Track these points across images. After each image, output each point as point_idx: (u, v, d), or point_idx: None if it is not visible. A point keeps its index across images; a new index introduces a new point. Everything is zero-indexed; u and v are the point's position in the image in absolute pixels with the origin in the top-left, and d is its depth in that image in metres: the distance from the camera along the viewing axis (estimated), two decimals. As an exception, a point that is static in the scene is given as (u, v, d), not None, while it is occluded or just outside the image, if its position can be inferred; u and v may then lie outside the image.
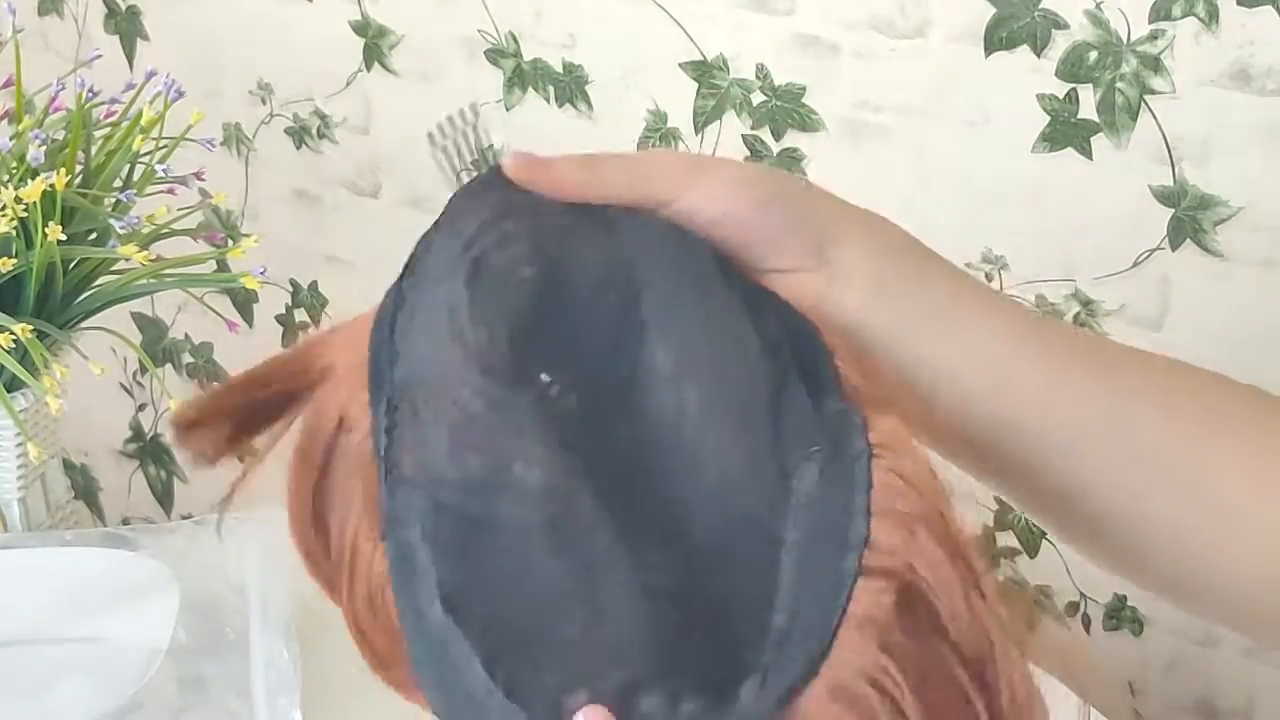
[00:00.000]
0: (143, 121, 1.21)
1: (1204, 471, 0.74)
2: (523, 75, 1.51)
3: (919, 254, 0.75)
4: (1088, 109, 1.24)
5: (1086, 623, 1.38)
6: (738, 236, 0.71)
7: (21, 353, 1.12)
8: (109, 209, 1.20)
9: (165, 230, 1.23)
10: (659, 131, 1.45)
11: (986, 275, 1.32)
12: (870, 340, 0.72)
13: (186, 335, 1.91)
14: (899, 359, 0.72)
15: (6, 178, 1.15)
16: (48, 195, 1.12)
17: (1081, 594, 1.38)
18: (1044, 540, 1.38)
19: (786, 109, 1.37)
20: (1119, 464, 0.74)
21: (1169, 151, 1.21)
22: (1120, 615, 1.35)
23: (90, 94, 1.22)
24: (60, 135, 1.22)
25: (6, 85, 1.24)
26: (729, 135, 1.41)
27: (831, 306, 0.71)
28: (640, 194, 0.71)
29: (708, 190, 0.71)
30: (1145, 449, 0.74)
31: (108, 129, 1.24)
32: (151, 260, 1.18)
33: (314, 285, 1.77)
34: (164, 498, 2.04)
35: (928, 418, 0.73)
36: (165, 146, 1.24)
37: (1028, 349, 0.74)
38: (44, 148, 1.16)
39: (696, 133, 1.43)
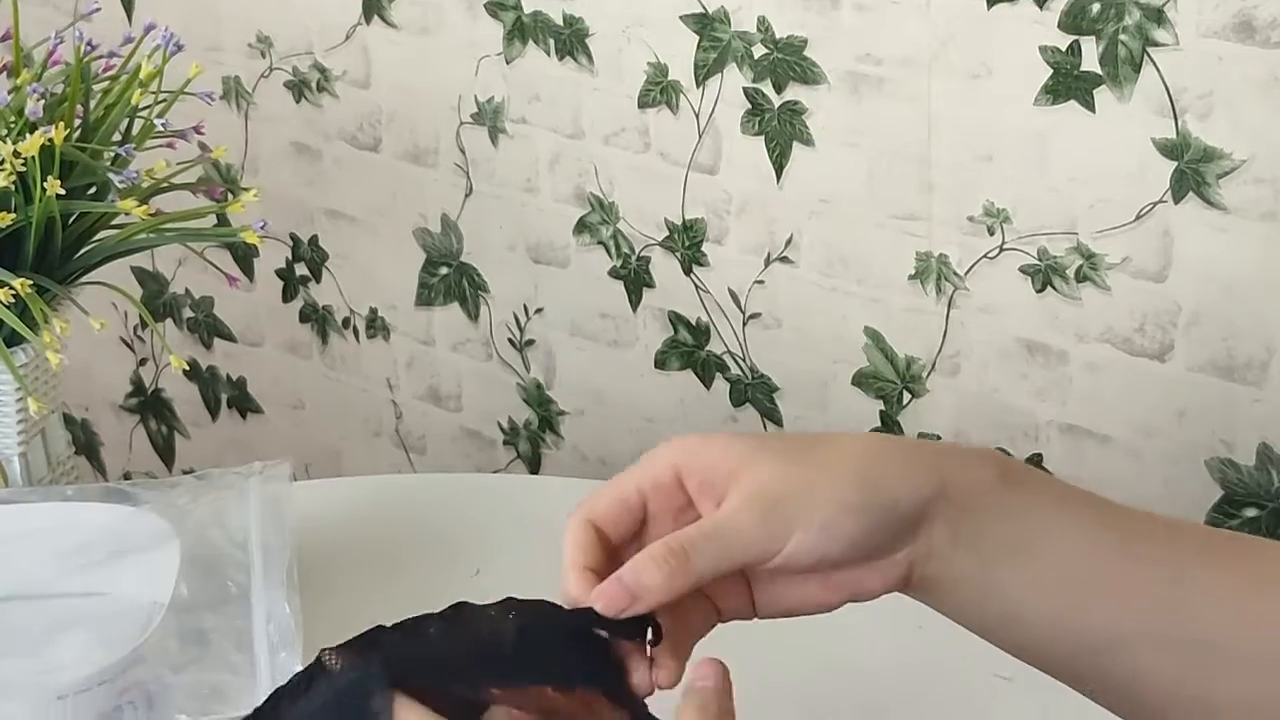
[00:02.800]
0: (141, 75, 1.20)
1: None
2: (523, 28, 1.51)
3: (997, 489, 0.75)
4: (1090, 61, 1.23)
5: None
6: (835, 565, 0.73)
7: (21, 308, 1.12)
8: (108, 163, 1.20)
9: (165, 184, 1.23)
10: (660, 85, 1.44)
11: (989, 229, 1.31)
12: (949, 587, 0.76)
13: (187, 290, 1.91)
14: (973, 597, 0.76)
15: (5, 132, 1.15)
16: (46, 149, 1.12)
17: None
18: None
19: (788, 62, 1.37)
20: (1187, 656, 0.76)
21: (1172, 104, 1.21)
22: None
23: (89, 47, 1.21)
24: (59, 89, 1.21)
25: (4, 39, 1.24)
26: (730, 88, 1.41)
27: (921, 562, 0.75)
28: (735, 568, 0.73)
29: (796, 547, 0.72)
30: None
31: (106, 82, 1.24)
32: (151, 215, 1.18)
33: (314, 239, 1.77)
34: (165, 452, 2.04)
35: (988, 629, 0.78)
36: (164, 100, 1.24)
37: (1102, 568, 0.76)
38: (42, 102, 1.15)
39: (698, 85, 1.42)
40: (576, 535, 0.74)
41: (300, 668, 0.97)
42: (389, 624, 0.71)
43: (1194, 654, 0.75)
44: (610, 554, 0.74)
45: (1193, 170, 1.21)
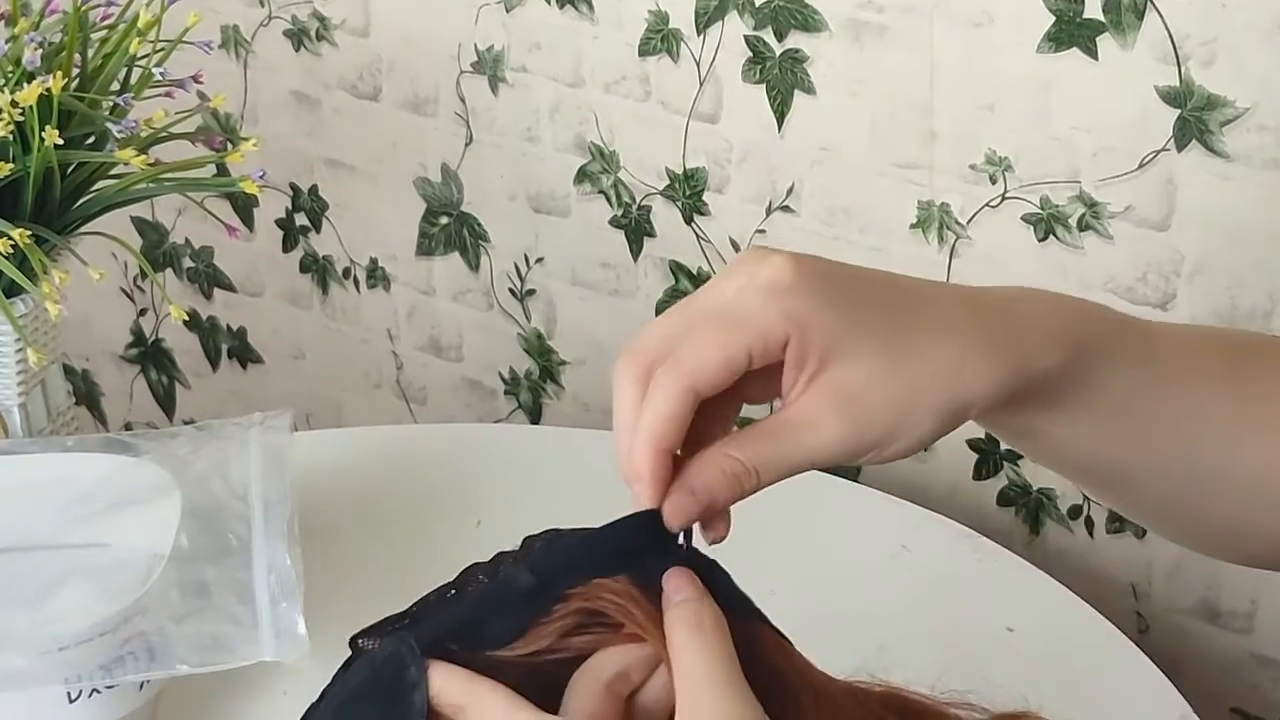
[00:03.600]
0: (140, 24, 1.20)
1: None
2: (523, -24, 1.50)
3: (1063, 371, 0.75)
4: (1093, 8, 1.23)
5: (1090, 526, 1.38)
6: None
7: (20, 258, 1.11)
8: (106, 113, 1.19)
9: (163, 134, 1.23)
10: (660, 33, 1.44)
11: (991, 178, 1.31)
12: (995, 427, 0.79)
13: (187, 240, 1.90)
14: (1018, 437, 0.80)
15: (2, 82, 1.14)
16: (44, 99, 1.11)
17: (1085, 497, 1.38)
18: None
19: (789, 9, 1.36)
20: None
21: (1175, 51, 1.20)
22: (1124, 519, 1.35)
23: (86, -4, 1.21)
24: (56, 38, 1.21)
25: (2, -13, 1.23)
26: (731, 36, 1.40)
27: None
28: (800, 470, 0.70)
29: (875, 457, 0.70)
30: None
31: (104, 31, 1.23)
32: (150, 164, 1.17)
33: (314, 189, 1.76)
34: (166, 403, 2.04)
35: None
36: (162, 49, 1.23)
37: (1136, 415, 0.78)
38: (40, 51, 1.15)
39: (698, 33, 1.42)
40: (675, 409, 0.68)
41: (301, 619, 0.98)
42: (395, 603, 0.71)
43: (1203, 481, 0.79)
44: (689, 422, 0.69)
45: (1196, 118, 1.21)
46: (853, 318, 0.69)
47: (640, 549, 0.68)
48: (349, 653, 0.69)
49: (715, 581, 0.69)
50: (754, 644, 0.68)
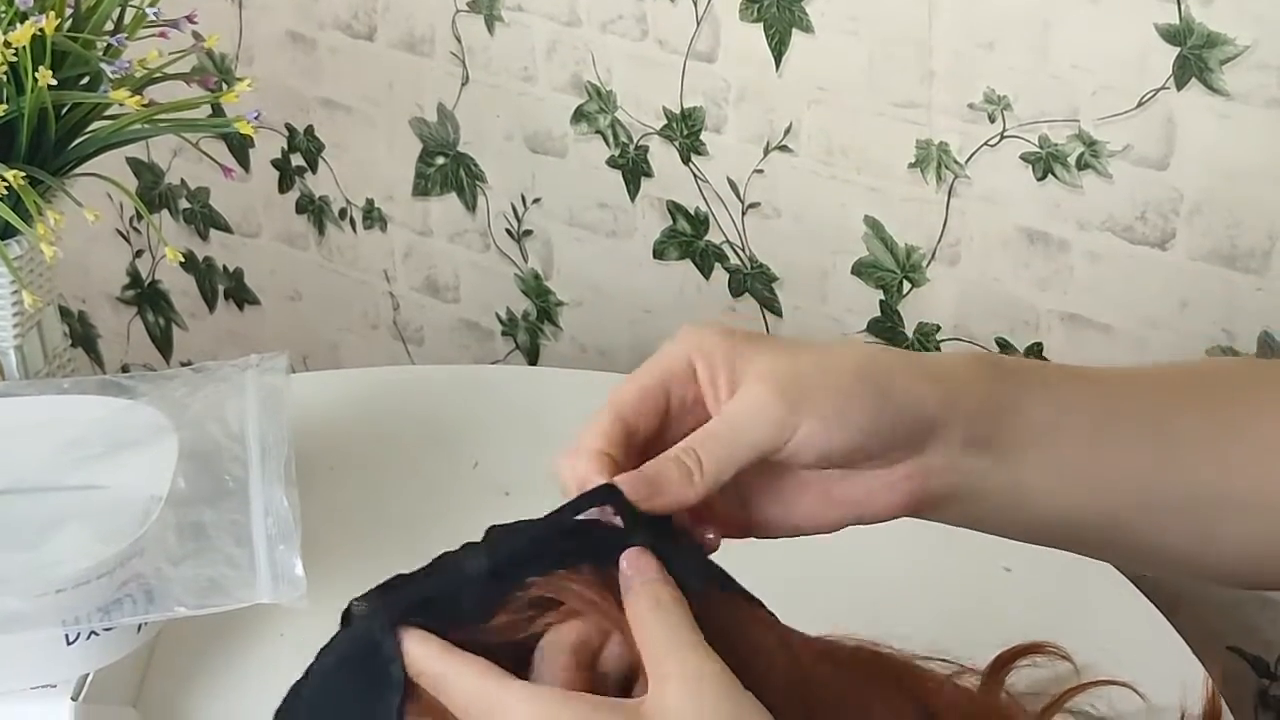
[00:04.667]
0: (132, -37, 1.19)
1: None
2: (519, -86, 1.50)
3: (997, 389, 0.75)
4: (1093, -54, 1.22)
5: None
6: (840, 463, 0.73)
7: (14, 200, 1.11)
8: (100, 53, 1.19)
9: (158, 74, 1.22)
10: (657, -29, 1.43)
11: (990, 117, 1.30)
12: (964, 495, 0.76)
13: (183, 181, 1.90)
14: (988, 500, 0.76)
15: (-5, 22, 1.13)
16: (37, 39, 1.11)
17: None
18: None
19: (787, -53, 1.36)
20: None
21: (1176, -11, 1.20)
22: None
23: (79, -65, 1.20)
24: (49, -22, 1.20)
25: (-7, -73, 1.22)
26: (728, -25, 1.40)
27: (925, 478, 0.74)
28: (745, 462, 0.72)
29: (805, 440, 0.71)
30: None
31: (97, -29, 1.22)
32: (144, 105, 1.17)
33: (310, 129, 1.75)
34: (163, 344, 2.04)
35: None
36: (156, -11, 1.22)
37: (1099, 446, 0.76)
38: (33, -9, 1.14)
39: (695, -28, 1.41)
40: (601, 425, 0.73)
41: (298, 561, 0.98)
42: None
43: (1193, 511, 0.77)
44: (634, 453, 0.73)
45: (1196, 56, 1.20)
46: (750, 340, 0.74)
47: (597, 532, 0.70)
48: (345, 596, 0.69)
49: (681, 555, 0.70)
50: (722, 610, 0.69)
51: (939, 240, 1.39)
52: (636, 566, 0.69)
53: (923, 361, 0.76)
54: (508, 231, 1.66)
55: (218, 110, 1.56)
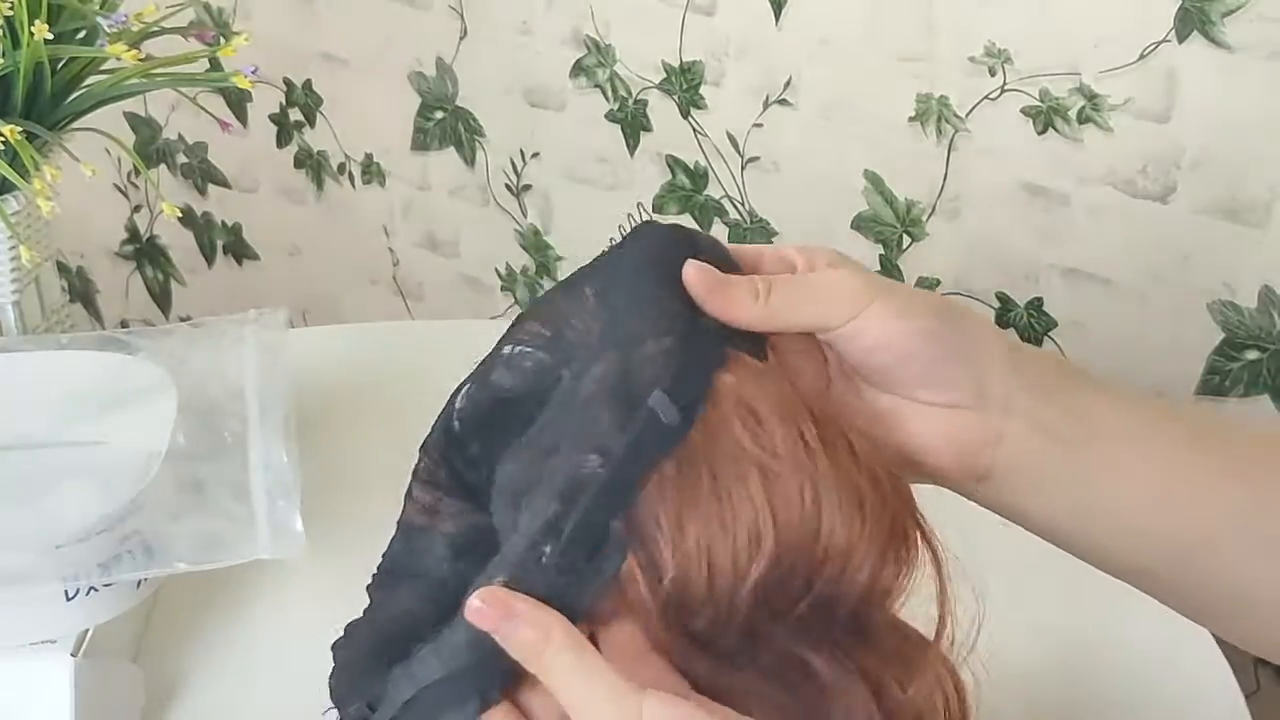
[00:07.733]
0: (129, -84, 1.18)
1: None
2: None
3: (1073, 384, 0.73)
4: (1095, -103, 1.22)
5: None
6: (898, 366, 0.71)
7: (11, 154, 1.11)
8: (96, 7, 1.18)
9: (155, 28, 1.22)
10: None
11: (990, 70, 1.30)
12: (1028, 475, 0.72)
13: (180, 135, 1.89)
14: (1056, 488, 0.72)
15: (-9, -25, 1.13)
16: (33, -7, 1.10)
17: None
18: (1045, 337, 1.38)
19: (787, -100, 1.35)
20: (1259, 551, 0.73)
21: (1177, -59, 1.19)
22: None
23: (74, -112, 1.19)
24: (45, -69, 1.19)
25: (-12, -120, 1.22)
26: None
27: (988, 445, 0.71)
28: (810, 319, 0.70)
29: (873, 316, 0.70)
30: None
31: (93, -76, 1.22)
32: (141, 59, 1.16)
33: (308, 84, 1.75)
34: (162, 299, 2.04)
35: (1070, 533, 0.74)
36: (153, -58, 1.22)
37: (1178, 475, 0.72)
38: (28, -56, 1.13)
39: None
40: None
41: (298, 516, 0.98)
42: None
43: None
44: None
45: (1197, 9, 1.20)
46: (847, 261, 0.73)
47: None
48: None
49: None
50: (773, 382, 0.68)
51: (939, 194, 1.38)
52: (484, 620, 0.64)
53: (1001, 333, 0.74)
54: (507, 186, 1.65)
55: (215, 65, 1.55)
